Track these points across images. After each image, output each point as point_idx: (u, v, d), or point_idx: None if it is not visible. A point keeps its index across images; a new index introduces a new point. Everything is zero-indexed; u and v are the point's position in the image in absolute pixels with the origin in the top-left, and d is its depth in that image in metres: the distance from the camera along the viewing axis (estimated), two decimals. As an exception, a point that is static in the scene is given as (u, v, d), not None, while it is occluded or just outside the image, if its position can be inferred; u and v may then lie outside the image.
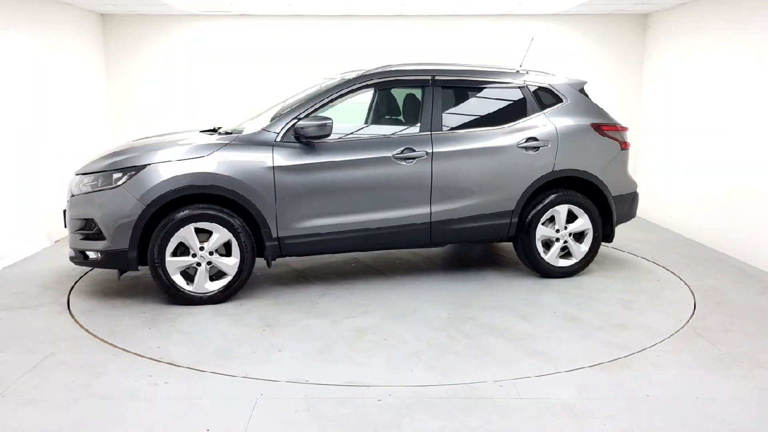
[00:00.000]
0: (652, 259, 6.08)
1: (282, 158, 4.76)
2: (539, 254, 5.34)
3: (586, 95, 5.58)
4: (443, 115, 5.20)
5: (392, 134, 5.22)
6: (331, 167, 4.85)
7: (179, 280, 4.72)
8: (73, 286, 5.27)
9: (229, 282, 4.80)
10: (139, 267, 4.77)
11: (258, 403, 3.34)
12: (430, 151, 5.03)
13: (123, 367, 3.76)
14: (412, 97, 5.47)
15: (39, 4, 6.78)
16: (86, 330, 4.33)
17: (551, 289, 5.17)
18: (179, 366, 3.77)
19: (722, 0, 6.59)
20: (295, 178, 4.77)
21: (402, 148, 4.99)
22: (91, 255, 4.72)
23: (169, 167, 4.62)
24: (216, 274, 4.83)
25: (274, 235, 4.82)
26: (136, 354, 3.93)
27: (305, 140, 4.82)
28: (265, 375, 3.66)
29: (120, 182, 4.61)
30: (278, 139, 4.81)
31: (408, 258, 6.14)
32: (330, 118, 4.80)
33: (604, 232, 5.54)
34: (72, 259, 4.87)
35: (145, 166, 4.63)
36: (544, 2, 7.36)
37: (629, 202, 5.65)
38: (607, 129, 5.44)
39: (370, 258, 6.15)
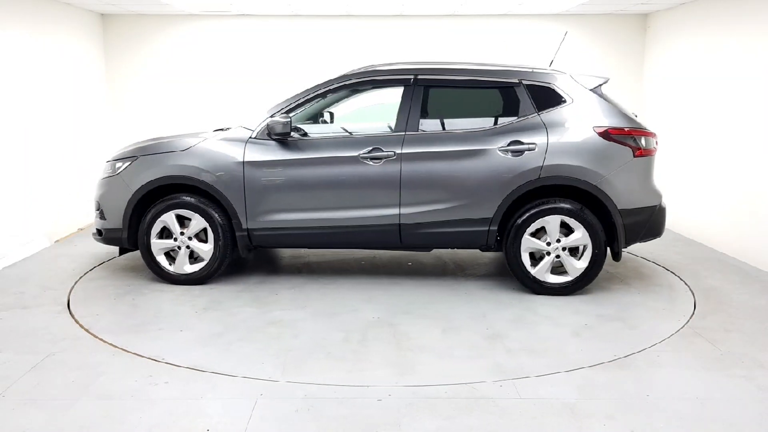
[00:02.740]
0: (653, 259, 6.08)
1: (252, 154, 5.05)
2: (525, 267, 4.96)
3: (601, 95, 5.04)
4: (424, 115, 5.05)
5: (363, 134, 5.17)
6: (298, 164, 5.02)
7: (162, 261, 5.24)
8: (73, 286, 5.27)
9: (204, 266, 5.20)
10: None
11: (258, 403, 3.34)
12: (399, 151, 4.94)
13: (123, 367, 3.76)
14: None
15: (39, 4, 6.78)
16: (86, 330, 4.33)
17: (519, 306, 4.79)
18: (179, 366, 3.77)
19: (722, 0, 6.59)
20: (263, 173, 5.03)
21: (370, 148, 4.98)
22: (103, 233, 5.39)
23: (154, 159, 5.18)
24: (199, 258, 5.27)
25: (244, 226, 5.11)
26: (135, 354, 3.94)
27: (275, 137, 5.04)
28: (259, 374, 3.66)
29: (119, 170, 5.26)
30: (253, 136, 5.11)
31: (422, 260, 6.08)
32: (290, 117, 4.98)
33: (613, 250, 5.04)
34: (93, 235, 5.51)
35: (137, 157, 5.23)
36: (544, 2, 7.36)
37: (647, 217, 4.97)
38: (615, 133, 4.85)
39: (387, 257, 6.13)
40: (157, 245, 5.20)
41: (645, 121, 8.20)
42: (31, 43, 6.56)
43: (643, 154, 4.93)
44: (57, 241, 6.86)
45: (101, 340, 4.16)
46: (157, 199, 5.20)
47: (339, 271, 5.74)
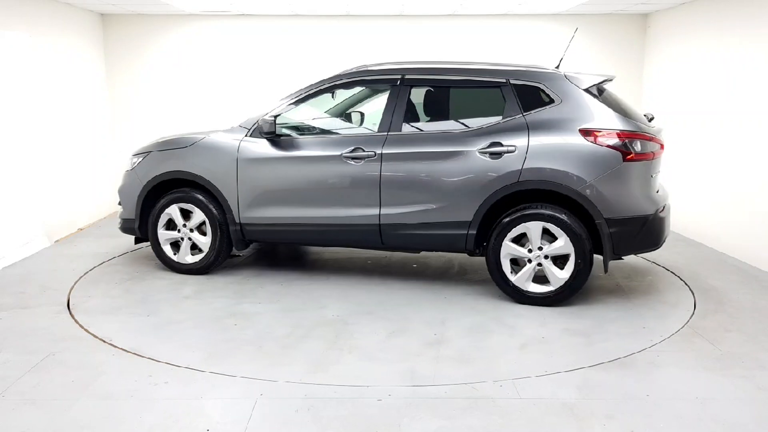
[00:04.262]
0: (653, 260, 6.07)
1: (246, 151, 5.24)
2: (504, 274, 4.76)
3: (595, 95, 4.72)
4: (408, 115, 5.01)
5: (347, 133, 5.30)
6: (285, 162, 5.15)
7: (168, 250, 5.55)
8: (73, 286, 5.27)
9: (203, 257, 5.46)
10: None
11: (258, 403, 3.34)
12: (379, 151, 4.92)
13: (123, 367, 3.76)
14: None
15: (39, 4, 6.78)
16: (86, 330, 4.33)
17: (489, 314, 4.62)
18: (179, 366, 3.77)
19: (722, 0, 6.59)
20: (254, 170, 5.20)
21: (352, 148, 5.00)
22: (121, 222, 5.79)
23: (160, 155, 5.50)
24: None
25: (237, 221, 5.31)
26: (135, 354, 3.94)
27: (265, 136, 5.19)
28: (263, 375, 3.66)
29: (135, 165, 5.63)
30: (248, 134, 5.28)
31: (429, 263, 6.01)
32: (273, 117, 5.11)
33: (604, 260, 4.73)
34: (118, 224, 5.84)
35: (149, 153, 5.57)
36: (544, 2, 7.35)
37: (639, 227, 4.60)
38: (602, 135, 4.54)
39: (396, 258, 6.11)
40: (163, 236, 5.51)
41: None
42: (30, 42, 6.56)
43: (636, 158, 4.55)
44: (57, 241, 6.86)
45: (101, 340, 4.16)
46: (169, 192, 5.50)
47: (338, 269, 5.75)
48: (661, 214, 4.75)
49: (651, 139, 4.67)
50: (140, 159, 5.59)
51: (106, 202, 8.28)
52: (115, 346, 4.01)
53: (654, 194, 4.77)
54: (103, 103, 8.30)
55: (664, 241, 4.88)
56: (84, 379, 3.60)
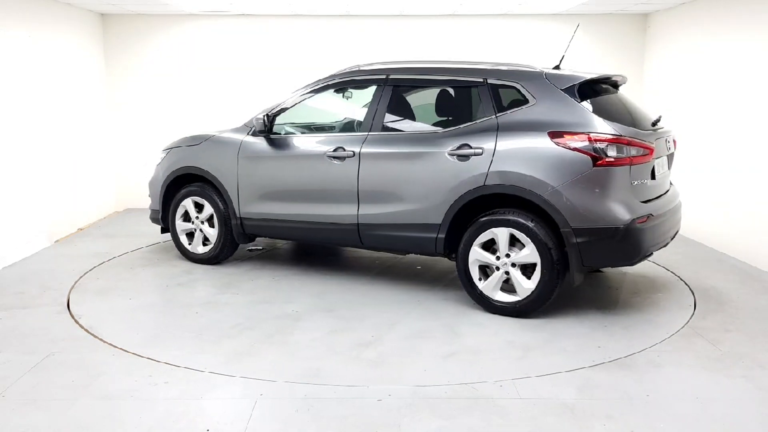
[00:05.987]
0: (652, 259, 6.07)
1: (246, 149, 5.49)
2: (472, 281, 4.60)
3: (575, 95, 4.41)
4: (390, 115, 5.00)
5: (331, 132, 5.56)
6: (276, 160, 5.36)
7: (184, 240, 5.94)
8: (73, 286, 5.27)
9: (211, 248, 5.78)
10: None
11: (258, 403, 3.34)
12: (358, 151, 4.96)
13: (123, 367, 3.76)
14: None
15: (39, 4, 6.78)
16: (86, 330, 4.33)
17: (446, 320, 4.48)
18: (179, 366, 3.77)
19: (722, 0, 6.58)
20: (251, 167, 5.46)
21: (334, 147, 5.06)
22: (150, 213, 6.24)
23: (178, 151, 5.90)
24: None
25: (238, 215, 5.58)
26: (135, 354, 3.94)
27: (259, 134, 5.44)
28: (263, 374, 3.67)
29: (161, 160, 6.03)
30: (249, 133, 5.54)
31: (435, 266, 5.92)
32: (264, 116, 5.36)
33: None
34: (150, 216, 6.28)
35: (171, 149, 5.99)
36: (544, 2, 7.36)
37: (610, 238, 4.20)
38: (569, 137, 4.25)
39: (406, 260, 6.07)
40: (180, 227, 5.91)
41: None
42: (30, 42, 6.56)
43: (608, 164, 4.19)
44: (57, 241, 6.86)
45: (101, 340, 4.16)
46: (186, 185, 5.87)
47: (340, 267, 5.79)
48: (641, 225, 4.26)
49: (629, 144, 4.26)
50: (164, 155, 6.00)
51: (106, 202, 8.29)
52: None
53: (634, 203, 4.33)
54: (103, 102, 8.30)
55: (646, 256, 4.42)
56: (84, 379, 3.60)
